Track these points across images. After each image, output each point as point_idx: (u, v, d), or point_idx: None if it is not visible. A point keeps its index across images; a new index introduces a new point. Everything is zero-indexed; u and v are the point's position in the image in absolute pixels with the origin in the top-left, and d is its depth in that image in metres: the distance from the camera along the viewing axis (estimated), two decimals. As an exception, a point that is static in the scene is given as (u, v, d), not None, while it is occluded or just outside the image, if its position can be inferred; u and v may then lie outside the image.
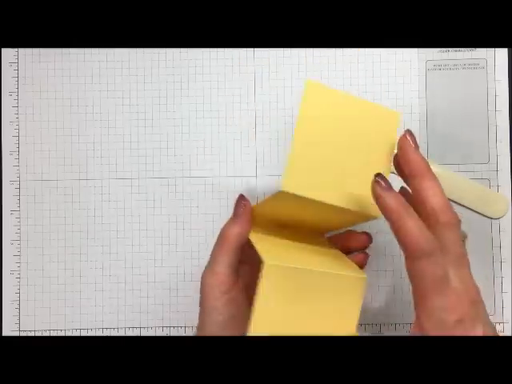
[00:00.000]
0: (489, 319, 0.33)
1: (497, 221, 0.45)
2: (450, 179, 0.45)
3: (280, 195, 0.33)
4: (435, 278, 0.31)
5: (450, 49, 0.45)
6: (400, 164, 0.34)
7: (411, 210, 0.31)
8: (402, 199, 0.31)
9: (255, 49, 0.46)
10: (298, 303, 0.33)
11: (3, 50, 0.46)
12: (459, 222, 0.33)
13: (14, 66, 0.46)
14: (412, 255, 0.31)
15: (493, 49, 0.45)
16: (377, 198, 0.32)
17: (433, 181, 0.33)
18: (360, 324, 0.45)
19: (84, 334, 0.46)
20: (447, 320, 0.31)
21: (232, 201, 0.46)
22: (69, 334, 0.46)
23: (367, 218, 0.35)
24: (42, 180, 0.46)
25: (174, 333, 0.45)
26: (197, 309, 0.40)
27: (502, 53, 0.45)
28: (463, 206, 0.45)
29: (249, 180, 0.46)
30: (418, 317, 0.32)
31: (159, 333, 0.45)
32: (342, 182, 0.35)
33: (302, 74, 0.46)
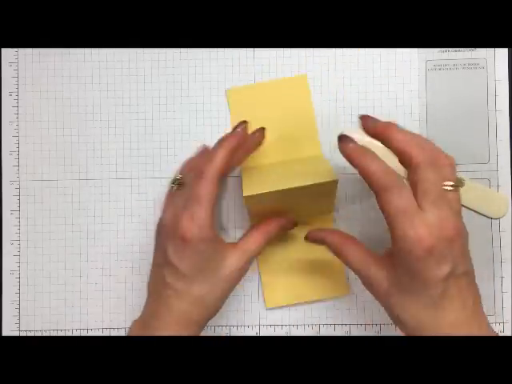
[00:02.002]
0: (469, 267, 0.35)
1: (497, 221, 0.45)
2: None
3: (247, 199, 0.38)
4: (399, 209, 0.33)
5: (449, 49, 0.45)
6: (368, 129, 0.37)
7: (372, 154, 0.34)
8: (363, 148, 0.35)
9: (255, 49, 0.46)
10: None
11: (3, 50, 0.46)
12: (446, 163, 0.35)
13: (14, 66, 0.46)
14: (377, 191, 0.34)
15: (493, 49, 0.45)
16: (344, 153, 0.35)
17: (401, 132, 0.36)
18: (360, 324, 0.45)
19: (84, 334, 0.46)
20: (413, 250, 0.33)
21: (232, 201, 0.46)
22: (69, 334, 0.46)
23: (327, 183, 0.38)
24: (41, 180, 0.46)
25: (174, 333, 0.45)
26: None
27: (502, 53, 0.45)
28: (463, 205, 0.45)
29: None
30: (392, 244, 0.34)
31: (159, 333, 0.45)
32: (290, 166, 0.42)
33: (302, 74, 0.46)
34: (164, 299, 0.38)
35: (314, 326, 0.45)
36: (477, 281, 0.36)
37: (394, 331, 0.45)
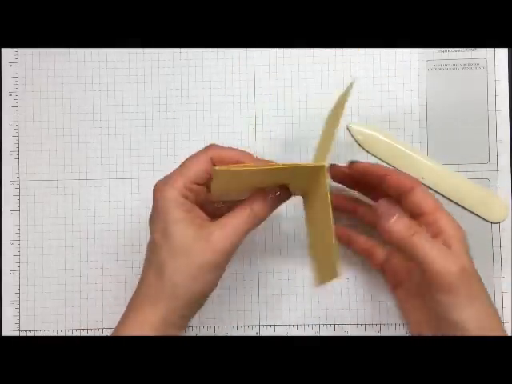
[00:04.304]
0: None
1: (497, 221, 0.45)
2: (450, 179, 0.45)
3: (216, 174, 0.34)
4: (431, 247, 0.35)
5: (449, 49, 0.45)
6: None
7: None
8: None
9: (255, 49, 0.46)
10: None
11: (3, 49, 0.46)
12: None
13: (14, 66, 0.46)
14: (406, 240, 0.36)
15: (493, 49, 0.45)
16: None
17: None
18: (360, 324, 0.45)
19: (84, 334, 0.46)
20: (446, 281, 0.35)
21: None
22: (69, 334, 0.46)
23: (313, 168, 0.34)
24: (41, 180, 0.46)
25: (173, 333, 0.45)
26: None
27: (502, 53, 0.45)
28: (463, 207, 0.45)
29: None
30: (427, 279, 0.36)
31: (159, 333, 0.45)
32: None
33: (302, 73, 0.46)
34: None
35: (313, 326, 0.45)
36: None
37: (394, 331, 0.45)
